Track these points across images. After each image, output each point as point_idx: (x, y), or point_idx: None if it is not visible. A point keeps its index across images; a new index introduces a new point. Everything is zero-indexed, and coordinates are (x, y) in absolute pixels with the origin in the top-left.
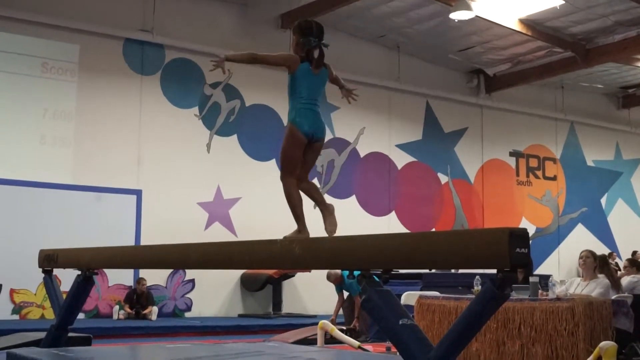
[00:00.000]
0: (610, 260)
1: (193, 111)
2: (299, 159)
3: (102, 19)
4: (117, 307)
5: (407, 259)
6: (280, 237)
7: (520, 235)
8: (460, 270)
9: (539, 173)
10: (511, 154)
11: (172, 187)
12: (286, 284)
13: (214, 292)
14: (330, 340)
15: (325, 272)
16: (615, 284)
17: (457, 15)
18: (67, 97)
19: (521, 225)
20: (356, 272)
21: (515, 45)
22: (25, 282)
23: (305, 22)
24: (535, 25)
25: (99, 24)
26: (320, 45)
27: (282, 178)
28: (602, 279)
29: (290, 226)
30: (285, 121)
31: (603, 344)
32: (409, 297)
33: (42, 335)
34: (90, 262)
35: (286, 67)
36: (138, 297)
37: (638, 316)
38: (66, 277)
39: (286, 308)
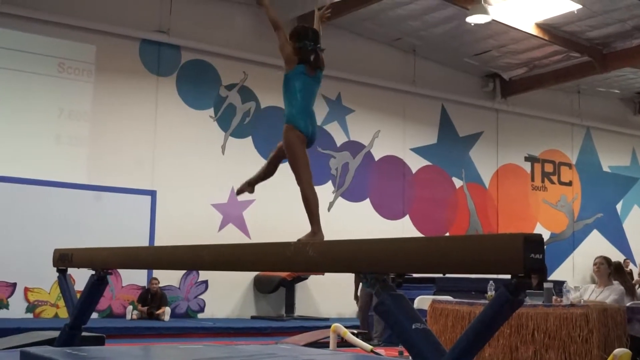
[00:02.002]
0: (624, 267)
1: (208, 112)
2: (308, 158)
3: (118, 19)
4: (130, 307)
5: (420, 263)
6: (294, 239)
7: (535, 241)
8: (474, 275)
9: (554, 178)
10: (526, 159)
11: (187, 188)
12: (299, 287)
13: (227, 294)
14: (342, 343)
15: (338, 275)
16: (630, 290)
17: (473, 19)
18: (83, 97)
19: (536, 231)
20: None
21: (532, 49)
22: (39, 281)
23: (301, 28)
24: (552, 29)
25: (116, 25)
26: (317, 49)
27: (300, 183)
28: (617, 286)
29: (304, 228)
30: None
31: (617, 351)
32: (422, 302)
33: (55, 334)
34: (105, 262)
35: (284, 62)
36: (152, 297)
37: None
38: (80, 277)
39: (299, 310)
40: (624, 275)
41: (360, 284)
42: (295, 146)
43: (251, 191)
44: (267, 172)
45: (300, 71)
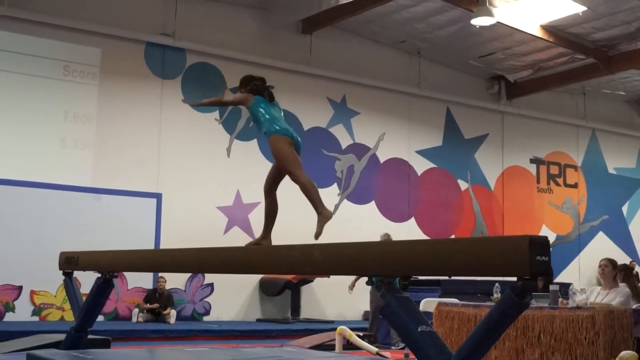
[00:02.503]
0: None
1: (213, 115)
2: (298, 158)
3: (123, 23)
4: (136, 309)
5: (426, 265)
6: (300, 242)
7: (540, 243)
8: (480, 278)
9: (560, 180)
10: (532, 161)
11: (192, 191)
12: (305, 289)
13: (233, 296)
14: (348, 346)
15: (343, 277)
16: (637, 293)
17: (478, 21)
18: (88, 100)
19: (541, 233)
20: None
21: (537, 51)
22: (45, 284)
23: (248, 76)
24: (557, 31)
25: (121, 28)
26: (267, 87)
27: (297, 179)
28: (623, 288)
29: (310, 231)
30: (305, 126)
31: (623, 353)
32: (427, 304)
33: (61, 337)
34: (110, 265)
35: (244, 104)
36: (159, 297)
37: None
38: (86, 280)
39: (304, 313)
40: (631, 277)
41: (360, 278)
42: (283, 149)
43: (269, 244)
44: (271, 211)
45: (259, 100)
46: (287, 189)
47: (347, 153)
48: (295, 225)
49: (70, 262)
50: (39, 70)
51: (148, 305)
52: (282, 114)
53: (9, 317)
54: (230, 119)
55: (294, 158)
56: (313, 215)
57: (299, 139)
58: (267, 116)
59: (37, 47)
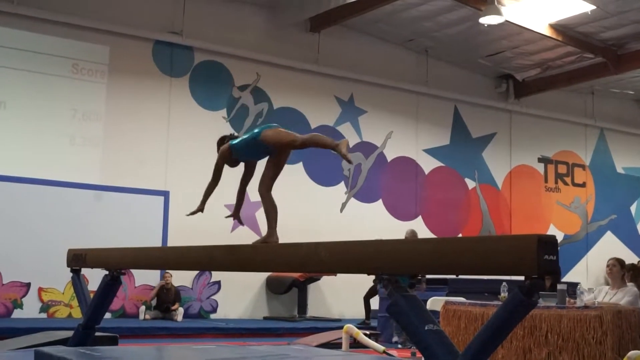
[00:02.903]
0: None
1: (221, 113)
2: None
3: (132, 21)
4: (143, 307)
5: (433, 264)
6: (307, 240)
7: (548, 242)
8: (487, 277)
9: (568, 179)
10: (540, 160)
11: (200, 189)
12: (311, 288)
13: (240, 294)
14: (355, 344)
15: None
16: None
17: (486, 20)
18: (96, 98)
19: (549, 232)
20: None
21: (545, 50)
22: (53, 281)
23: (221, 138)
24: (565, 30)
25: (129, 26)
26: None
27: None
28: (631, 288)
29: (316, 229)
30: (312, 124)
31: (631, 353)
32: (434, 303)
33: (69, 334)
34: (118, 263)
35: (227, 161)
36: (166, 293)
37: None
38: (94, 277)
39: (311, 311)
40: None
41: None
42: (281, 132)
43: (276, 240)
44: (272, 209)
45: (232, 144)
46: (285, 187)
47: (354, 152)
48: (294, 221)
49: (77, 260)
50: (48, 68)
51: (154, 302)
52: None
53: (17, 314)
54: (238, 117)
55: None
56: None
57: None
58: (244, 137)
59: (45, 45)
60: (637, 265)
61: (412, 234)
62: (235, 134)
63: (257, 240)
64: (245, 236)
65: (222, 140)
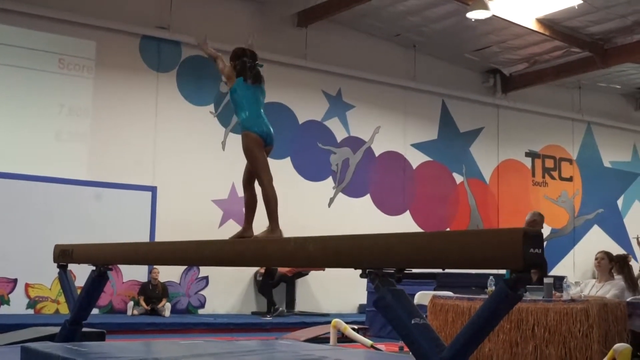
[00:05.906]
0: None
1: (209, 108)
2: (267, 160)
3: (119, 15)
4: (131, 302)
5: (420, 258)
6: (294, 234)
7: (534, 236)
8: (474, 271)
9: (555, 174)
10: (527, 155)
11: (187, 184)
12: (300, 282)
13: (228, 289)
14: (342, 339)
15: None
16: (633, 285)
17: (473, 15)
18: (83, 94)
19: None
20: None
21: (533, 45)
22: (40, 277)
23: (239, 49)
24: (552, 24)
25: (116, 21)
26: (255, 64)
27: (262, 184)
28: (618, 281)
29: (304, 224)
30: (300, 119)
31: (617, 346)
32: (422, 297)
33: (56, 329)
34: (105, 258)
35: (227, 79)
36: (153, 289)
37: None
38: (81, 273)
39: (299, 306)
40: (629, 269)
41: None
42: (253, 150)
43: (252, 235)
44: (251, 202)
45: (241, 83)
46: (283, 184)
47: (342, 146)
48: (281, 216)
49: (64, 255)
50: (34, 63)
51: (143, 302)
52: (264, 99)
53: (3, 310)
54: (225, 112)
55: (264, 162)
56: (300, 207)
57: (272, 134)
58: (244, 104)
59: (31, 40)
60: (624, 257)
61: (536, 217)
62: (258, 66)
63: (233, 235)
64: (233, 231)
65: (238, 56)
